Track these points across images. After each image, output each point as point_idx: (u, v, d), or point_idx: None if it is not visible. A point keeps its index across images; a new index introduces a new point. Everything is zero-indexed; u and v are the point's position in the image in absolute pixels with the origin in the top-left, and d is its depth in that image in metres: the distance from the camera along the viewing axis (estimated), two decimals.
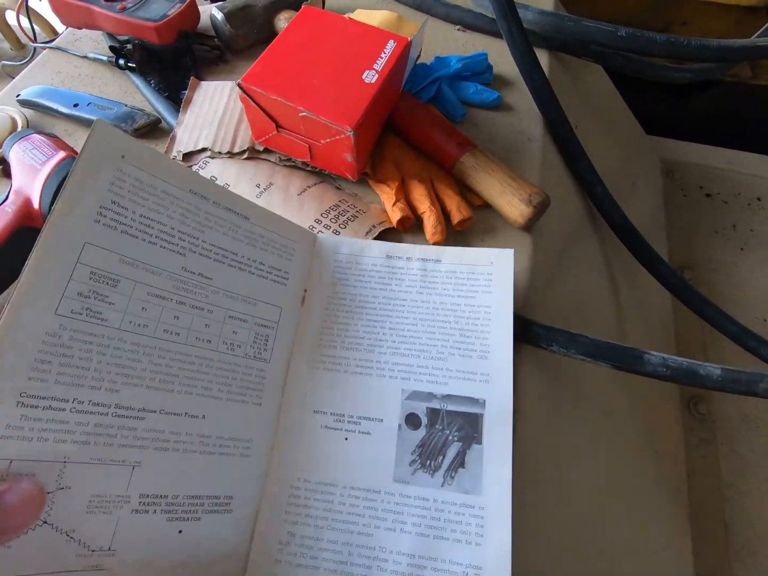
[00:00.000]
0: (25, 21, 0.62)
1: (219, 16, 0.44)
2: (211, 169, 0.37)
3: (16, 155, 0.33)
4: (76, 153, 0.34)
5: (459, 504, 0.25)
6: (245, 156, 0.37)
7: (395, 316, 0.30)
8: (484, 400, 0.27)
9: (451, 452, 0.26)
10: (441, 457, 0.26)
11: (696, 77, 0.54)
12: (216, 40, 0.45)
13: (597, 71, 0.59)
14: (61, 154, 0.33)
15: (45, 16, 0.74)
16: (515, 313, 0.30)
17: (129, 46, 0.42)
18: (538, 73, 0.42)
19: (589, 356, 0.29)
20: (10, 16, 0.75)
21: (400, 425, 0.27)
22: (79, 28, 0.46)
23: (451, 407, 0.27)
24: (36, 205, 0.31)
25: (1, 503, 0.18)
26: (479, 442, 0.26)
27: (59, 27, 0.72)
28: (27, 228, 0.31)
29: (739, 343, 0.43)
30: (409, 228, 0.35)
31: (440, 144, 0.38)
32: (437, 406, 0.27)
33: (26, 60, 0.56)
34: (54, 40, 0.50)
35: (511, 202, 0.35)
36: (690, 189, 0.68)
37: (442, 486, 0.25)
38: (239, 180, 0.36)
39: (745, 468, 0.48)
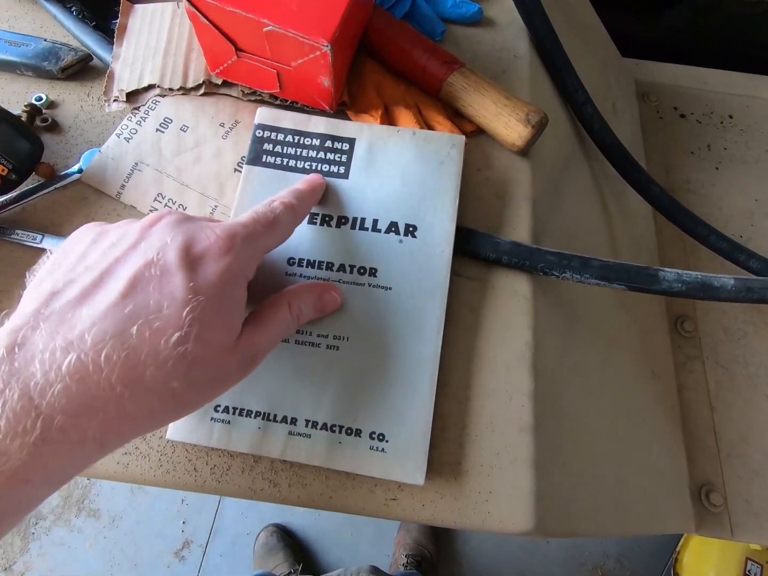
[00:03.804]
0: None
1: None
2: (164, 110, 0.32)
3: None
4: None
5: None
6: (202, 91, 0.32)
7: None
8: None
9: None
10: None
11: None
12: None
13: None
14: None
15: None
16: (530, 245, 0.29)
17: None
18: None
19: (604, 280, 0.28)
20: None
21: None
22: None
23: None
24: None
25: None
26: None
27: None
28: None
29: (730, 258, 0.43)
30: None
31: (423, 64, 0.33)
32: None
33: None
34: None
35: (508, 124, 0.32)
36: (665, 110, 0.67)
37: None
38: (198, 120, 0.31)
39: (729, 379, 0.51)
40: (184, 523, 1.12)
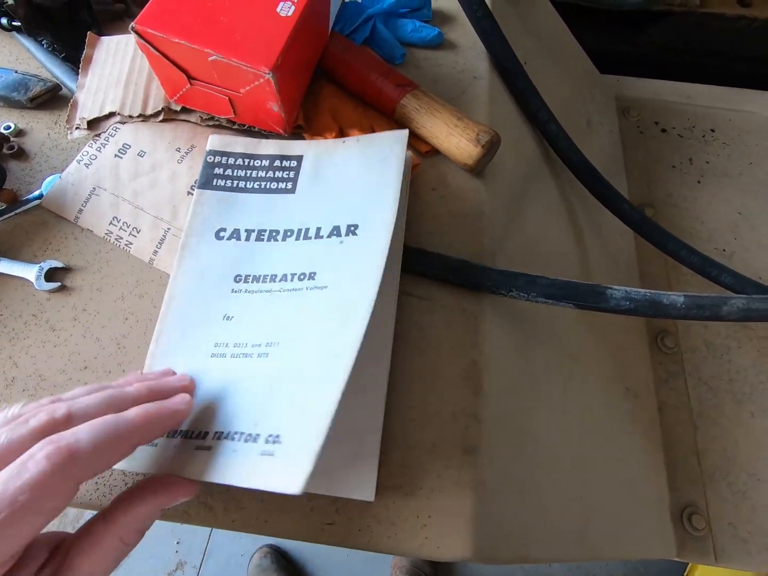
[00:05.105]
0: None
1: None
2: (123, 136, 0.33)
3: None
4: None
5: None
6: (161, 118, 0.33)
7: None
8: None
9: None
10: None
11: (645, 4, 0.51)
12: None
13: (543, 5, 0.56)
14: None
15: None
16: (477, 264, 0.29)
17: (10, 0, 0.36)
18: (480, 4, 0.39)
19: (551, 298, 0.28)
20: None
21: None
22: None
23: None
24: None
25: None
26: None
27: None
28: None
29: (702, 273, 0.42)
30: None
31: (378, 87, 0.34)
32: None
33: None
34: None
35: (459, 144, 0.32)
36: (646, 125, 0.67)
37: None
38: (156, 145, 0.32)
39: (713, 396, 0.49)
40: (178, 543, 1.10)
